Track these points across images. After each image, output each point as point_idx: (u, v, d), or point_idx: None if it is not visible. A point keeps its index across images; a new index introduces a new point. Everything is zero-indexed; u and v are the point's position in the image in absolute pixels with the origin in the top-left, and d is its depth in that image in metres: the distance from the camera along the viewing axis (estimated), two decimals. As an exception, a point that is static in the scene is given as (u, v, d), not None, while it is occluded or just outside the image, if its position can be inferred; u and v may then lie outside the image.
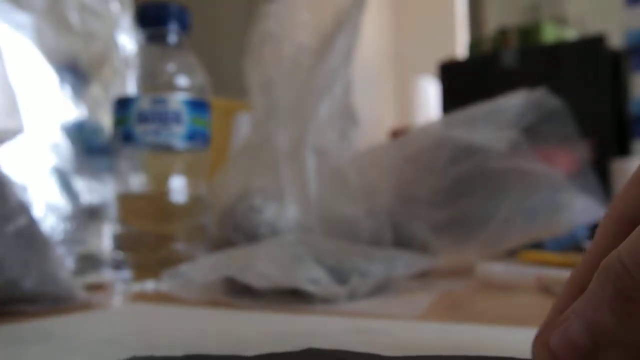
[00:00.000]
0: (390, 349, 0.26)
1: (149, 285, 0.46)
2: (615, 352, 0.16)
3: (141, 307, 0.40)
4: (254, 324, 0.32)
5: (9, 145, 0.41)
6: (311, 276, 0.39)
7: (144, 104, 0.48)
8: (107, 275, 0.51)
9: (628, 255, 0.15)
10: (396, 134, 1.54)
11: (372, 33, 2.46)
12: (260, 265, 0.40)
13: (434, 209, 0.55)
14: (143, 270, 0.46)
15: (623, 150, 1.54)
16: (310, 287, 0.38)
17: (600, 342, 0.16)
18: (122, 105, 0.49)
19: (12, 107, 0.40)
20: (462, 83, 1.73)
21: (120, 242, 0.49)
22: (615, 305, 0.15)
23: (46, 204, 0.54)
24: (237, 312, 0.36)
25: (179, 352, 0.25)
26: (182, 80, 0.50)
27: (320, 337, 0.28)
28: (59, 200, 0.55)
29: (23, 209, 0.37)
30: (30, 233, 0.37)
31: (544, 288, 0.42)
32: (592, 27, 1.85)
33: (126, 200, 0.50)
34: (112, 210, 0.51)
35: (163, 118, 0.48)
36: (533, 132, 0.54)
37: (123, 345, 0.27)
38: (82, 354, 0.26)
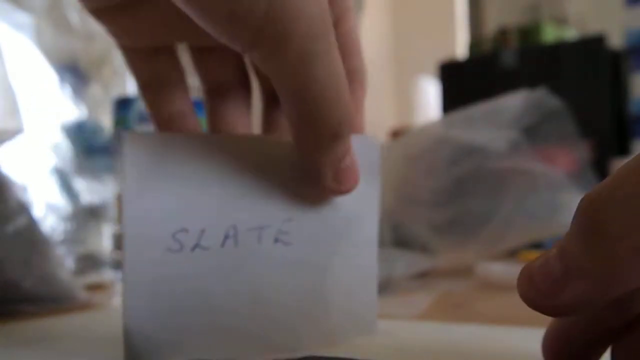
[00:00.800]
0: (392, 349, 0.26)
1: (149, 285, 0.45)
2: (581, 282, 0.16)
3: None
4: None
5: (9, 145, 0.41)
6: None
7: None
8: (107, 275, 0.51)
9: (604, 187, 0.16)
10: (396, 134, 1.54)
11: (372, 33, 2.46)
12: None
13: (434, 209, 0.55)
14: (143, 270, 0.46)
15: (623, 150, 1.54)
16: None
17: (570, 270, 0.17)
18: (122, 105, 0.49)
19: (12, 107, 0.40)
20: (462, 83, 1.72)
21: (120, 242, 0.48)
22: (584, 235, 0.16)
23: (46, 204, 0.54)
24: (237, 312, 0.36)
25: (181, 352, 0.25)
26: (182, 80, 0.49)
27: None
28: (59, 200, 0.55)
29: (23, 209, 0.37)
30: (30, 233, 0.37)
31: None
32: (592, 27, 1.85)
33: (126, 200, 0.50)
34: (112, 210, 0.51)
35: (163, 118, 0.48)
36: (533, 132, 0.54)
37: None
38: (83, 354, 0.26)
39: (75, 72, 0.59)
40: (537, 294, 0.18)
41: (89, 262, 0.54)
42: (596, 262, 0.16)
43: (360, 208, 0.27)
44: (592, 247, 0.16)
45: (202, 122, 0.50)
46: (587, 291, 0.16)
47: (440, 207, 0.55)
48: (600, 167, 0.65)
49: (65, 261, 0.51)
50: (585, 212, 0.16)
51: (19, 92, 0.42)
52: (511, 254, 0.55)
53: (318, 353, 0.22)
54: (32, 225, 0.38)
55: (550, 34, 1.85)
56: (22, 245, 0.37)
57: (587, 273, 0.16)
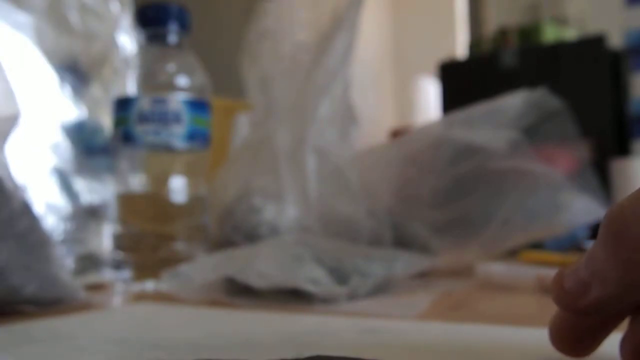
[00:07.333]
0: (392, 349, 0.26)
1: (149, 285, 0.46)
2: (604, 286, 0.18)
3: (142, 307, 0.40)
4: (257, 323, 0.32)
5: (10, 139, 0.41)
6: (311, 276, 0.39)
7: (144, 104, 0.48)
8: (107, 275, 0.51)
9: (628, 201, 0.18)
10: (396, 134, 1.54)
11: (372, 33, 2.46)
12: (260, 265, 0.40)
13: (434, 209, 0.55)
14: (143, 270, 0.46)
15: (623, 150, 1.54)
16: (310, 287, 0.38)
17: (594, 275, 0.18)
18: (122, 105, 0.49)
19: (7, 92, 0.39)
20: (462, 83, 1.72)
21: (120, 242, 0.48)
22: (607, 244, 0.18)
23: (46, 204, 0.54)
24: (237, 312, 0.36)
25: (185, 352, 0.25)
26: (182, 80, 0.50)
27: (326, 337, 0.28)
28: (59, 200, 0.55)
29: (25, 211, 0.37)
30: (33, 235, 0.37)
31: (544, 288, 0.42)
32: (592, 27, 1.85)
33: (126, 200, 0.50)
34: (112, 210, 0.51)
35: (163, 118, 0.48)
36: (533, 132, 0.54)
37: (131, 344, 0.27)
38: (83, 354, 0.26)
39: (75, 72, 0.59)
40: (566, 295, 0.20)
41: (89, 262, 0.54)
42: (617, 268, 0.18)
43: None
44: (613, 255, 0.18)
45: (203, 122, 0.50)
46: (609, 294, 0.18)
47: (440, 207, 0.55)
48: (600, 167, 0.64)
49: (65, 261, 0.51)
50: (609, 223, 0.18)
51: (12, 78, 0.41)
52: (511, 254, 0.55)
53: (325, 353, 0.22)
54: (34, 227, 0.38)
55: (550, 34, 1.85)
56: (24, 249, 0.36)
57: (609, 278, 0.18)
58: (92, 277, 0.51)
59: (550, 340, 0.21)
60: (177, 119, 0.48)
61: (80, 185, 0.57)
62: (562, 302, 0.20)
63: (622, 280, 0.18)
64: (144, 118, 0.48)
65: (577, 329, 0.21)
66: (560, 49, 1.62)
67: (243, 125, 0.66)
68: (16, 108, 0.39)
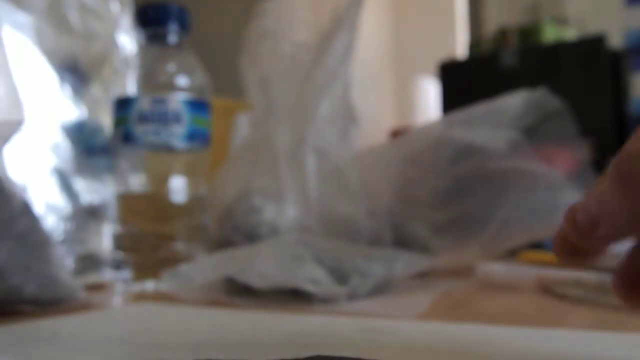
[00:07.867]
0: (392, 349, 0.26)
1: (149, 285, 0.46)
2: (609, 223, 0.20)
3: (142, 307, 0.40)
4: (257, 323, 0.32)
5: (11, 142, 0.41)
6: (311, 276, 0.39)
7: (144, 104, 0.48)
8: (107, 275, 0.51)
9: (635, 145, 0.18)
10: (396, 134, 1.54)
11: (372, 33, 2.46)
12: (260, 265, 0.40)
13: (434, 209, 0.55)
14: (143, 270, 0.46)
15: (623, 150, 1.54)
16: (310, 287, 0.38)
17: (603, 212, 0.20)
18: (122, 105, 0.49)
19: (14, 98, 0.39)
20: (462, 83, 1.72)
21: (120, 242, 0.48)
22: (614, 183, 0.19)
23: (46, 204, 0.54)
24: (237, 312, 0.36)
25: (186, 352, 0.25)
26: (182, 80, 0.50)
27: (327, 337, 0.28)
28: (59, 200, 0.55)
29: (25, 211, 0.37)
30: (32, 235, 0.37)
31: (544, 288, 0.42)
32: (592, 27, 1.85)
33: (126, 200, 0.50)
34: (112, 210, 0.51)
35: (163, 118, 0.48)
36: (533, 132, 0.54)
37: (131, 344, 0.27)
38: (83, 354, 0.26)
39: (75, 72, 0.59)
40: (577, 231, 0.21)
41: (89, 262, 0.54)
42: (624, 206, 0.19)
43: None
44: (620, 194, 0.19)
45: (203, 122, 0.50)
46: (616, 230, 0.20)
47: (440, 207, 0.55)
48: (600, 167, 0.64)
49: (65, 261, 0.51)
50: (616, 164, 0.19)
51: (19, 83, 0.41)
52: (511, 254, 0.55)
53: (325, 353, 0.22)
54: (34, 227, 0.38)
55: (550, 34, 1.85)
56: (24, 249, 0.36)
57: (617, 215, 0.19)
58: (92, 277, 0.51)
59: (553, 251, 0.23)
60: (177, 119, 0.48)
61: (80, 185, 0.57)
62: (573, 237, 0.21)
63: (631, 218, 0.19)
64: (144, 118, 0.48)
65: (579, 247, 0.22)
66: (560, 49, 1.62)
67: (243, 125, 0.66)
68: (21, 114, 0.39)
